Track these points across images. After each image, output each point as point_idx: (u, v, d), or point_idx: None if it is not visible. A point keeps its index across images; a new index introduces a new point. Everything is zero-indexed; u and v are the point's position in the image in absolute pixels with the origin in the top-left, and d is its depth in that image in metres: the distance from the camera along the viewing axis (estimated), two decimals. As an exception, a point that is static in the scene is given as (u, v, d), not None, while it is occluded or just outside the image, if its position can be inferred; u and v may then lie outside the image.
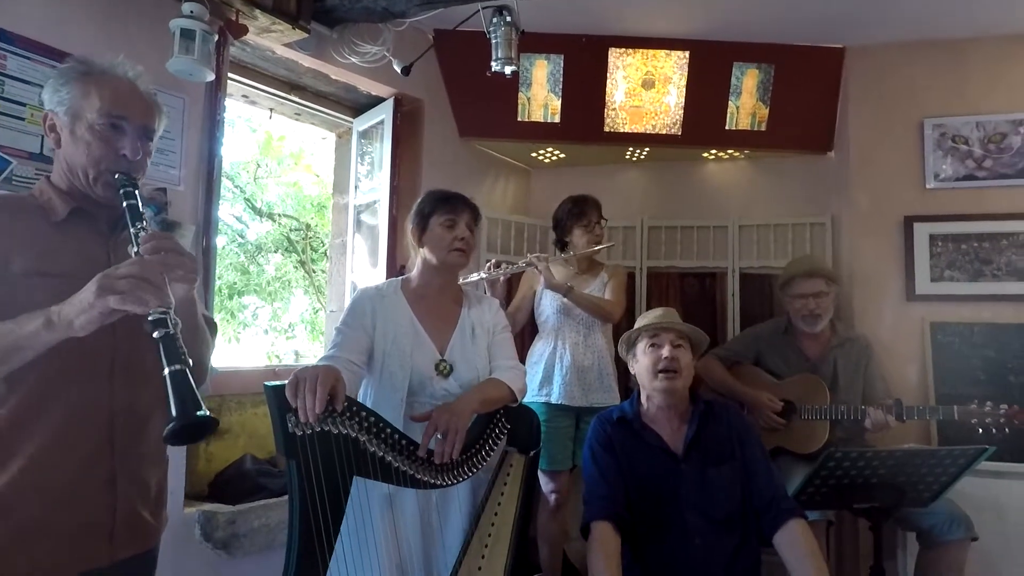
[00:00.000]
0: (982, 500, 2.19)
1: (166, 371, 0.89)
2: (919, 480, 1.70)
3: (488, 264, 2.31)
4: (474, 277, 2.24)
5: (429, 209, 1.58)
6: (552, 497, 2.35)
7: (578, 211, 2.46)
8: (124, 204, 1.05)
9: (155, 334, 0.92)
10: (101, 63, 1.14)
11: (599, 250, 2.48)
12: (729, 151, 3.10)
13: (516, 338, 2.67)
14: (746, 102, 2.88)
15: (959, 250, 2.61)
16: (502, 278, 2.30)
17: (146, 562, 1.18)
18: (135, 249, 0.99)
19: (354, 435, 1.20)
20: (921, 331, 2.61)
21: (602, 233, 2.49)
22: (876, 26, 2.63)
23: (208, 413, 0.90)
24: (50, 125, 1.13)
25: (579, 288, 2.41)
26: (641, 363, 1.73)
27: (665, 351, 1.67)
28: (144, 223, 1.04)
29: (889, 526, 2.14)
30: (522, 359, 2.49)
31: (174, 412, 0.87)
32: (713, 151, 3.11)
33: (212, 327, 1.27)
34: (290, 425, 1.14)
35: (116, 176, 1.08)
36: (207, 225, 2.04)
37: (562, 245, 2.54)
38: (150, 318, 0.93)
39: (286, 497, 1.18)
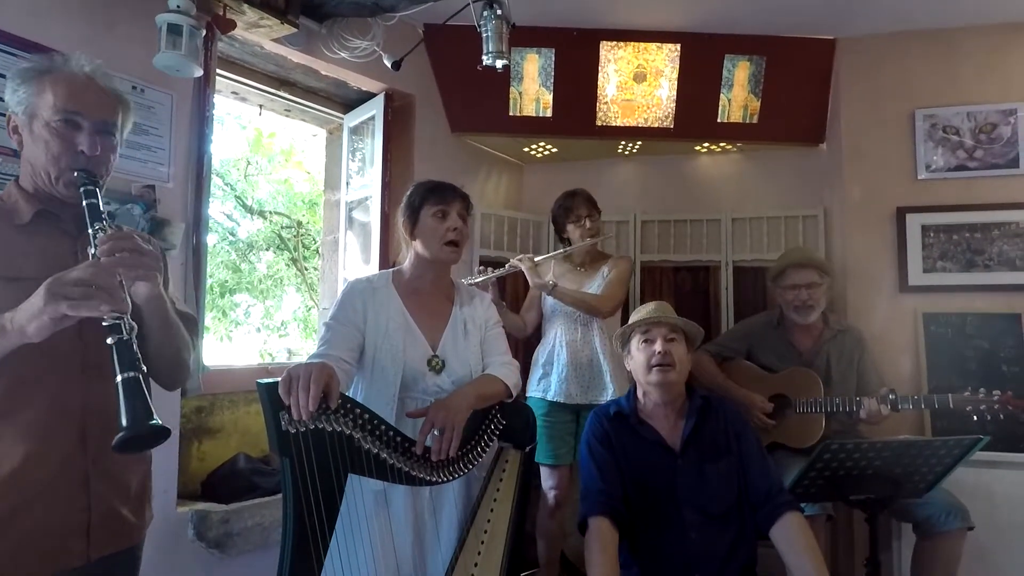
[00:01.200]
0: (975, 489, 2.21)
1: (118, 378, 0.88)
2: (915, 471, 1.71)
3: (477, 269, 2.35)
4: (467, 281, 2.23)
5: (419, 200, 1.56)
6: (552, 494, 2.35)
7: (568, 206, 2.47)
8: (83, 203, 1.03)
9: (108, 340, 0.91)
10: (56, 60, 1.12)
11: (589, 244, 2.45)
12: (721, 144, 3.09)
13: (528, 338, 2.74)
14: (738, 95, 2.88)
15: (951, 241, 2.62)
16: (492, 281, 2.33)
17: (128, 560, 1.16)
18: (91, 251, 0.98)
19: (348, 432, 1.19)
20: (914, 322, 2.62)
21: (596, 226, 2.48)
22: (867, 17, 2.63)
23: (159, 422, 0.88)
24: (13, 127, 1.12)
25: (580, 282, 2.41)
26: (636, 359, 1.73)
27: (658, 346, 1.67)
28: (104, 223, 1.02)
29: (884, 517, 2.16)
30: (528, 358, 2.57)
31: (124, 421, 0.86)
32: (705, 144, 3.10)
33: (191, 322, 1.25)
34: (283, 423, 1.13)
35: (76, 174, 1.06)
36: (197, 223, 2.02)
37: (563, 241, 2.55)
38: (104, 323, 0.92)
39: (280, 496, 1.17)
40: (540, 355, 2.46)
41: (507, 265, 2.40)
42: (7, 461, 1.00)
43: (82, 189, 1.05)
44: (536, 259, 2.42)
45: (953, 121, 2.65)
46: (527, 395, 2.46)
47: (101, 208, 1.05)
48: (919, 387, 2.55)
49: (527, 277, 2.36)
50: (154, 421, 0.88)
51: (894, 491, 1.71)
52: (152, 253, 1.03)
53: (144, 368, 0.91)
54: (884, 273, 2.70)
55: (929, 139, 2.67)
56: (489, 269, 2.35)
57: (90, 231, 1.00)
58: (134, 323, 0.94)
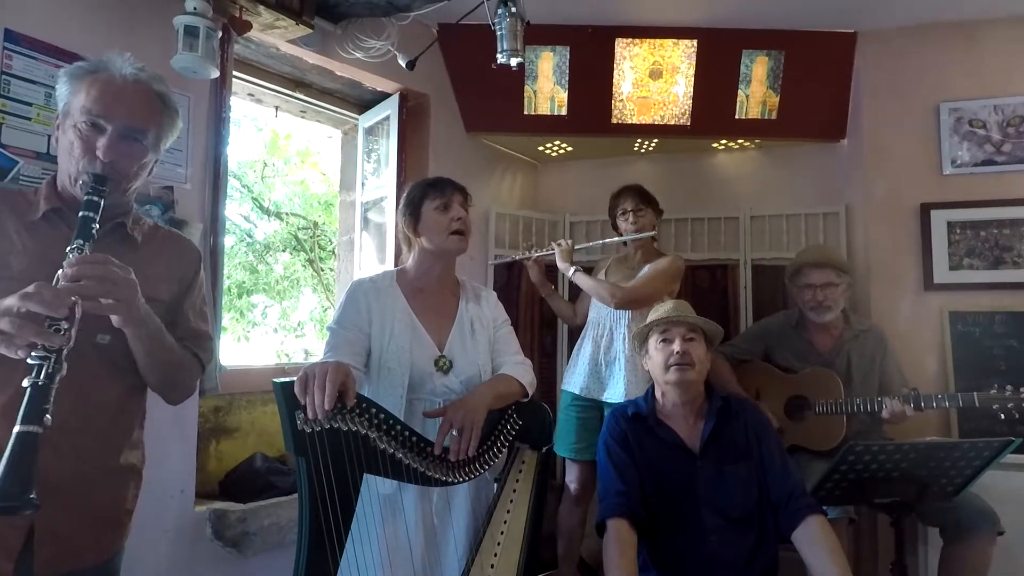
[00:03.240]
0: (1005, 493, 2.14)
1: (16, 428, 0.78)
2: (942, 473, 1.66)
3: (523, 247, 2.48)
4: (507, 258, 2.29)
5: (419, 196, 1.54)
6: (573, 487, 2.33)
7: (615, 201, 2.52)
8: (80, 213, 0.98)
9: (24, 382, 0.82)
10: (101, 60, 1.09)
11: (625, 239, 2.47)
12: (739, 141, 3.05)
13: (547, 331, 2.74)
14: (756, 90, 2.83)
15: (978, 237, 2.55)
16: (532, 259, 2.48)
17: None
18: (59, 272, 0.91)
19: (364, 432, 1.18)
20: (939, 321, 2.56)
21: (643, 221, 2.45)
22: (889, 9, 2.57)
23: (35, 498, 0.76)
24: (56, 125, 1.12)
25: (625, 276, 2.42)
26: (654, 359, 1.70)
27: (676, 345, 1.64)
28: (87, 241, 0.96)
29: (910, 521, 2.10)
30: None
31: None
32: (723, 141, 3.06)
33: (203, 340, 1.21)
34: (299, 422, 1.12)
35: (83, 180, 1.03)
36: (214, 224, 2.03)
37: (617, 232, 2.57)
38: (28, 360, 0.83)
39: (296, 495, 1.17)
40: (576, 347, 2.50)
41: (547, 247, 2.48)
42: None
43: (84, 197, 1.01)
44: (577, 246, 2.47)
45: (980, 114, 2.58)
46: (561, 388, 2.51)
47: (94, 224, 0.98)
48: (945, 388, 2.49)
49: (556, 258, 2.40)
50: (31, 496, 0.76)
51: (921, 494, 1.67)
52: (127, 281, 0.96)
53: (48, 421, 0.81)
54: (908, 271, 2.63)
55: (955, 133, 2.61)
56: (533, 249, 2.47)
57: (69, 247, 0.94)
58: (63, 365, 0.84)
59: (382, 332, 1.45)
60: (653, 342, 1.71)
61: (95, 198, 1.00)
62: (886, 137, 2.70)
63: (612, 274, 2.48)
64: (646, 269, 2.37)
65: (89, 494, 1.06)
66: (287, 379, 1.14)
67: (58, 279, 0.91)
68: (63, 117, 1.08)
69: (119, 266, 0.96)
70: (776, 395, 2.27)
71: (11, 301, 0.86)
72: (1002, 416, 1.96)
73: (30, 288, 0.87)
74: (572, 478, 2.34)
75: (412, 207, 1.55)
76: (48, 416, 0.82)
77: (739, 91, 2.83)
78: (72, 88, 1.08)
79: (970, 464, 1.65)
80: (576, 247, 2.46)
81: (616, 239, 2.50)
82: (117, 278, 0.95)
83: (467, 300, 1.58)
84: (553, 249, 2.44)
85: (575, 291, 2.66)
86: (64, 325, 0.87)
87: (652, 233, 2.45)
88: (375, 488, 1.34)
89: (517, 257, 2.43)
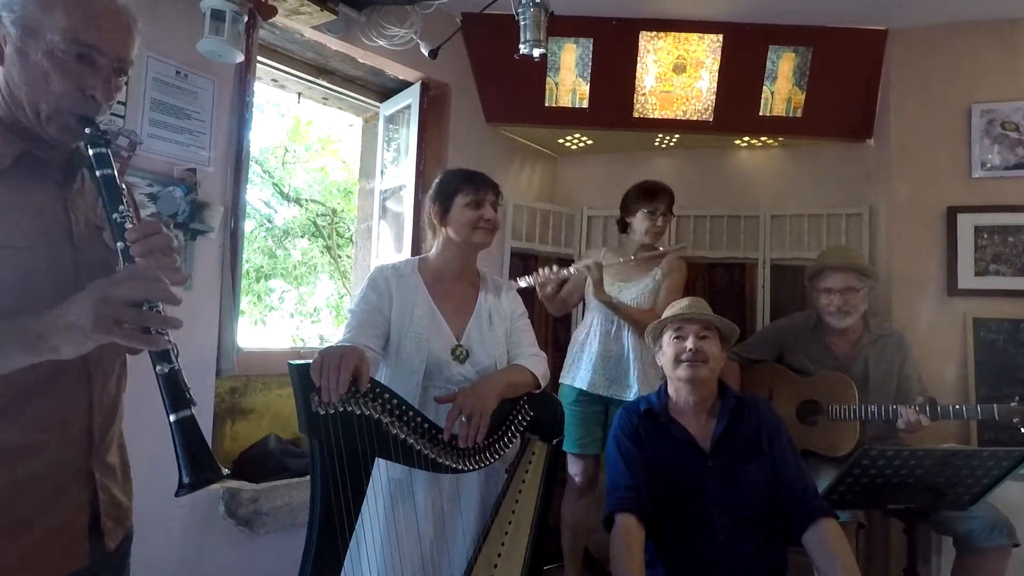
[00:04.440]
0: (1022, 504, 2.10)
1: (171, 418, 0.79)
2: (958, 482, 1.63)
3: (542, 269, 2.23)
4: (523, 283, 2.16)
5: (452, 188, 1.55)
6: (577, 479, 2.33)
7: (647, 195, 2.39)
8: (98, 173, 0.85)
9: (157, 368, 0.79)
10: None
11: (675, 250, 2.41)
12: (762, 138, 3.01)
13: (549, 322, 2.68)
14: (781, 87, 2.78)
15: (1006, 243, 2.49)
16: (551, 285, 2.25)
17: (127, 543, 1.07)
18: (120, 244, 0.82)
19: (377, 416, 1.20)
20: (963, 327, 2.50)
21: (664, 227, 2.41)
22: (920, 6, 2.50)
23: (223, 470, 0.80)
24: (1, 37, 0.87)
25: (628, 276, 2.38)
26: (667, 354, 1.70)
27: (689, 343, 1.64)
28: (124, 204, 0.85)
29: (923, 529, 2.07)
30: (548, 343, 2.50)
31: (187, 472, 0.77)
32: (746, 138, 3.02)
33: None
34: (313, 404, 1.14)
35: (87, 130, 0.87)
36: (235, 207, 2.06)
37: (623, 226, 2.51)
38: (152, 351, 0.80)
39: (308, 478, 1.18)
40: (576, 341, 2.45)
41: (571, 268, 2.28)
42: (13, 464, 0.85)
43: (92, 152, 0.86)
44: (605, 264, 2.30)
45: (1013, 117, 2.51)
46: (560, 382, 2.45)
47: (119, 181, 0.85)
48: (966, 395, 2.44)
49: (592, 288, 2.25)
50: (218, 470, 0.79)
51: (935, 502, 1.64)
52: (179, 252, 0.92)
53: (195, 400, 0.81)
54: (932, 276, 2.58)
55: (986, 135, 2.54)
56: (553, 267, 2.22)
57: (114, 215, 0.83)
58: (177, 345, 0.82)
59: (401, 318, 1.47)
60: (667, 338, 1.71)
61: (103, 150, 0.86)
62: (914, 138, 2.65)
63: (625, 267, 2.41)
64: (667, 282, 2.34)
65: (115, 459, 1.04)
66: (303, 361, 1.16)
67: (122, 253, 0.82)
68: (22, 32, 0.85)
69: (165, 225, 0.91)
70: (788, 398, 2.24)
71: (123, 292, 0.76)
72: (1021, 429, 1.91)
73: (129, 272, 0.80)
74: (576, 471, 2.34)
75: (444, 197, 1.56)
76: (192, 396, 0.81)
77: (764, 88, 2.78)
78: None
79: (988, 474, 1.61)
80: (605, 264, 2.28)
81: (650, 253, 2.35)
82: (175, 247, 0.87)
83: (487, 292, 1.59)
84: (574, 272, 2.27)
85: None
86: (160, 306, 0.81)
87: (684, 246, 2.46)
88: (386, 472, 1.35)
89: (534, 281, 2.19)
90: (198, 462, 0.78)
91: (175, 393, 0.79)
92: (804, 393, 2.21)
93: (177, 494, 0.79)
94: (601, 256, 2.37)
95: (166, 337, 0.80)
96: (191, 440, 0.79)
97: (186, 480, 0.78)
